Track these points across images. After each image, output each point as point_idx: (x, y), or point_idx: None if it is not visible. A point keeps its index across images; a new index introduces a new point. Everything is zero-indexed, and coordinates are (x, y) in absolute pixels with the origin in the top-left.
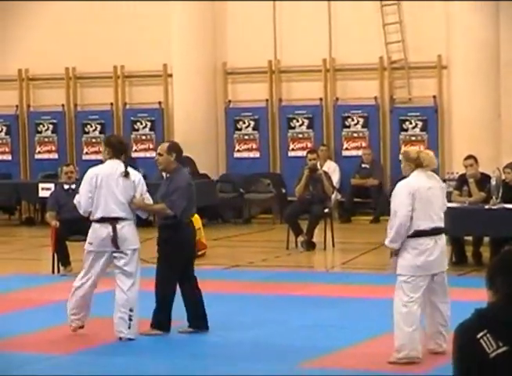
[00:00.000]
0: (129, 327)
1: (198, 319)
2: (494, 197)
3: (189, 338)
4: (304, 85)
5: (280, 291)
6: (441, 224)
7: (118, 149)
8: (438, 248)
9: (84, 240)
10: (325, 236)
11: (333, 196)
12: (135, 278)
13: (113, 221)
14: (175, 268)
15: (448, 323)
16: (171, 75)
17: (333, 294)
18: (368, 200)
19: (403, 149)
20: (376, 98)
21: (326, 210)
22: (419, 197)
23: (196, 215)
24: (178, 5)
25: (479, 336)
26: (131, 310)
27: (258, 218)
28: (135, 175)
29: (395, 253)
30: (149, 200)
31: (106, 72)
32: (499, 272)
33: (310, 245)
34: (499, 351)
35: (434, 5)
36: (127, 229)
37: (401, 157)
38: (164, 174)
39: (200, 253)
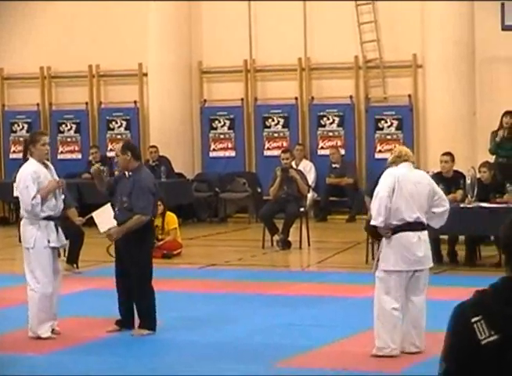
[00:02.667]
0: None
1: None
2: (469, 196)
3: (164, 337)
4: (280, 84)
5: (256, 290)
6: (424, 219)
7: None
8: (424, 244)
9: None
10: (300, 235)
11: (309, 195)
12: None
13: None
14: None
15: (421, 324)
16: (146, 74)
17: (308, 293)
18: (344, 198)
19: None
20: (351, 97)
21: (302, 209)
22: (401, 187)
23: (173, 214)
24: (153, 4)
25: (473, 320)
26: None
27: (234, 217)
28: (18, 174)
29: (380, 249)
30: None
31: (81, 71)
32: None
33: (286, 244)
34: (491, 339)
35: (409, 4)
36: (22, 227)
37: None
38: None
39: (175, 252)
